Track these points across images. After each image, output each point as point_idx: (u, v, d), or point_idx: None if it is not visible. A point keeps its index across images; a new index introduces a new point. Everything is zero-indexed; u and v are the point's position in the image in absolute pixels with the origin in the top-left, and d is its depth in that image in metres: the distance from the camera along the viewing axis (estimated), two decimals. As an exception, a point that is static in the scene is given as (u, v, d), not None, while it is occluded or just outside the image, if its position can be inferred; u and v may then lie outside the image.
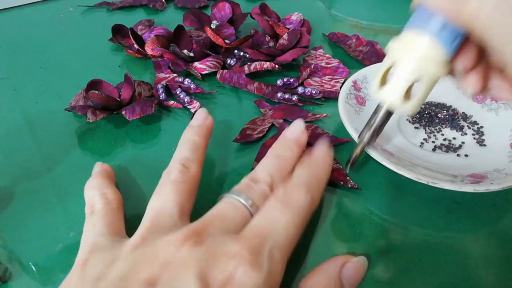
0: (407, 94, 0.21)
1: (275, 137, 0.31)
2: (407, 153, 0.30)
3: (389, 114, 0.23)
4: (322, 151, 0.25)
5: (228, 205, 0.22)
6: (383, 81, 0.21)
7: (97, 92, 0.31)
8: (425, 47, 0.19)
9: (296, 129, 0.27)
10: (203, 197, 0.26)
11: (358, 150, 0.25)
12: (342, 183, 0.27)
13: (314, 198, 0.23)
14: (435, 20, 0.18)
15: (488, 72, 0.21)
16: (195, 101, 0.33)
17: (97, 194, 0.24)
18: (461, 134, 0.32)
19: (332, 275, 0.20)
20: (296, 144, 0.26)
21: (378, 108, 0.23)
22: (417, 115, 0.33)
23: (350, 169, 0.26)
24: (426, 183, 0.25)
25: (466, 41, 0.20)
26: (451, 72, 0.21)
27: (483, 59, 0.21)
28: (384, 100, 0.21)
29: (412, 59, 0.19)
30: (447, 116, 0.33)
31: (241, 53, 0.39)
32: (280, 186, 0.23)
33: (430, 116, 0.33)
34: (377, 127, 0.23)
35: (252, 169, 0.28)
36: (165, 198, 0.22)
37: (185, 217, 0.22)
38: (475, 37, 0.18)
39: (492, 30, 0.16)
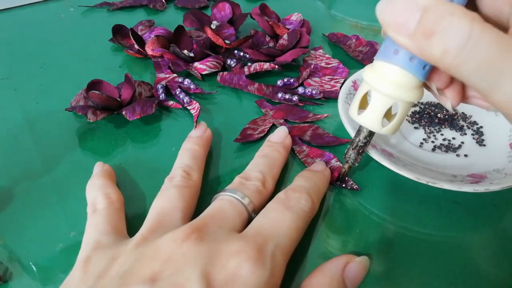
0: (386, 115, 0.22)
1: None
2: (406, 153, 0.30)
3: (370, 135, 0.24)
4: (321, 166, 0.27)
5: (225, 202, 0.22)
6: (361, 105, 0.22)
7: (97, 92, 0.31)
8: (396, 77, 0.19)
9: (281, 134, 0.29)
10: (203, 197, 0.26)
11: (345, 169, 0.26)
12: (342, 184, 0.27)
13: (314, 203, 0.23)
14: (402, 52, 0.19)
15: (463, 86, 0.21)
16: (194, 102, 0.33)
17: (100, 194, 0.24)
18: (460, 134, 0.32)
19: (335, 275, 0.21)
20: (282, 146, 0.27)
21: (359, 130, 0.24)
22: (417, 115, 0.33)
23: (340, 184, 0.27)
24: (425, 183, 0.25)
25: None
26: (429, 89, 0.21)
27: None
28: (363, 125, 0.22)
29: (385, 87, 0.20)
30: (446, 116, 0.33)
31: (241, 53, 0.39)
32: (281, 191, 0.24)
33: (430, 116, 0.33)
34: (361, 147, 0.24)
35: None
36: (168, 201, 0.23)
37: (186, 220, 0.23)
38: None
39: (461, 72, 0.16)
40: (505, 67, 0.15)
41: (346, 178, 0.27)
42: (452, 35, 0.15)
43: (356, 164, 0.25)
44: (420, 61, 0.19)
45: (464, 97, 0.21)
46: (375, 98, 0.21)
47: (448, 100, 0.21)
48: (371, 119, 0.21)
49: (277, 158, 0.27)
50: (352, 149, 0.25)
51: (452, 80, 0.20)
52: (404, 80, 0.19)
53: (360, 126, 0.24)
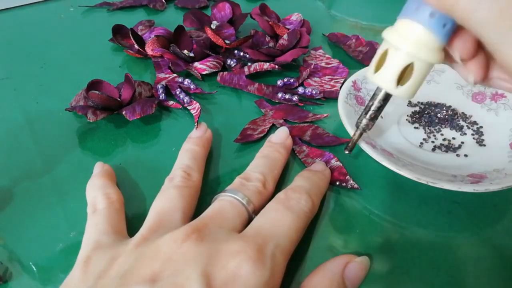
0: (404, 78, 0.21)
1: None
2: (406, 153, 0.30)
3: (385, 99, 0.23)
4: (321, 166, 0.27)
5: (226, 203, 0.22)
6: (378, 66, 0.22)
7: (97, 92, 0.31)
8: (416, 34, 0.19)
9: (282, 134, 0.28)
10: (203, 197, 0.26)
11: (356, 136, 0.26)
12: (342, 183, 0.27)
13: (314, 204, 0.23)
14: (423, 8, 0.19)
15: (488, 62, 0.20)
16: (194, 102, 0.33)
17: (100, 194, 0.24)
18: (460, 134, 0.32)
19: (335, 275, 0.21)
20: (283, 147, 0.27)
21: (374, 94, 0.24)
22: (417, 115, 0.33)
23: (349, 153, 0.27)
24: (425, 183, 0.25)
25: (462, 30, 0.19)
26: (451, 60, 0.21)
27: (483, 48, 0.20)
28: (378, 84, 0.22)
29: (405, 45, 0.20)
30: (446, 116, 0.33)
31: (241, 53, 0.39)
32: (281, 191, 0.24)
33: (430, 116, 0.33)
34: (374, 112, 0.24)
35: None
36: (169, 201, 0.23)
37: (186, 221, 0.23)
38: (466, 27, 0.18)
39: (473, 20, 0.16)
40: None
41: (347, 177, 0.27)
42: None
43: (368, 130, 0.25)
44: (440, 18, 0.19)
45: (487, 77, 0.20)
46: (392, 55, 0.20)
47: (471, 74, 0.20)
48: (386, 78, 0.21)
49: (278, 159, 0.27)
50: (365, 114, 0.24)
51: (476, 52, 0.19)
52: (424, 39, 0.19)
53: (376, 90, 0.23)
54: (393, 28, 0.20)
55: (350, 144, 0.26)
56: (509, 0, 0.15)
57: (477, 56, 0.20)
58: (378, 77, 0.21)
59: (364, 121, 0.24)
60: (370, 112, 0.24)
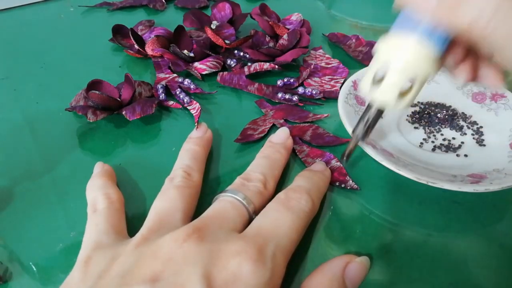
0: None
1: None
2: (406, 153, 0.30)
3: (381, 111, 0.23)
4: (321, 166, 0.27)
5: (226, 203, 0.22)
6: (375, 81, 0.21)
7: (97, 92, 0.31)
8: (415, 48, 0.19)
9: (282, 135, 0.29)
10: (203, 197, 0.26)
11: (352, 145, 0.26)
12: (342, 184, 0.27)
13: (314, 204, 0.24)
14: (423, 24, 0.19)
15: (477, 62, 0.22)
16: (194, 102, 0.33)
17: (100, 194, 0.24)
18: (460, 134, 0.32)
19: (336, 276, 0.21)
20: (284, 147, 0.27)
21: (369, 106, 0.23)
22: (417, 115, 0.33)
23: (346, 162, 0.27)
24: (425, 183, 0.25)
25: (455, 40, 0.20)
26: (442, 65, 0.22)
27: (472, 51, 0.21)
28: (378, 100, 0.21)
29: (403, 60, 0.19)
30: (446, 116, 0.33)
31: (241, 53, 0.39)
32: (282, 191, 0.24)
33: (430, 116, 0.33)
34: (371, 123, 0.24)
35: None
36: (169, 201, 0.23)
37: (187, 221, 0.23)
38: (467, 39, 0.18)
39: (490, 39, 0.17)
40: None
41: (347, 177, 0.27)
42: (481, 4, 0.16)
43: (364, 141, 0.24)
44: (441, 33, 0.19)
45: (475, 77, 0.22)
46: (392, 74, 0.20)
47: (461, 76, 0.21)
48: (386, 96, 0.20)
49: (278, 159, 0.27)
50: (362, 124, 0.24)
51: (466, 54, 0.21)
52: (423, 53, 0.19)
53: (370, 102, 0.23)
54: (389, 42, 0.20)
55: (347, 153, 0.27)
56: None
57: (467, 58, 0.21)
58: (378, 95, 0.21)
59: (362, 132, 0.24)
60: (367, 124, 0.24)
